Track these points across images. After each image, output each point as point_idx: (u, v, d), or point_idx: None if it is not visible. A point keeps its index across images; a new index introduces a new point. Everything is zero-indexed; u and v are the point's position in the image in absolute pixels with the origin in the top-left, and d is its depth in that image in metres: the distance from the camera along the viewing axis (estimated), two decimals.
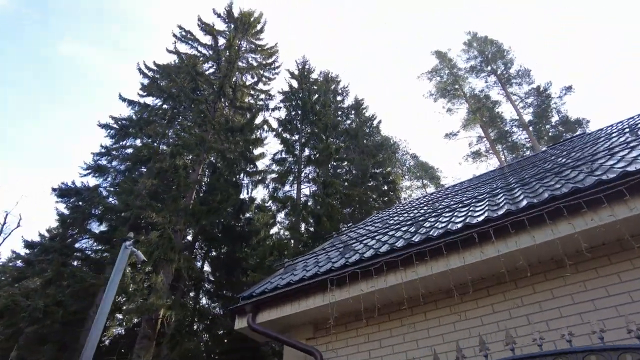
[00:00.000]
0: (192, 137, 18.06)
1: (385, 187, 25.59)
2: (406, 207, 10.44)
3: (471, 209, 5.14)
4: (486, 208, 4.66)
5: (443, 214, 5.73)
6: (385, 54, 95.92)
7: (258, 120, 22.47)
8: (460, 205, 5.82)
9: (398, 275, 4.42)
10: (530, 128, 27.93)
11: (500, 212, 4.07)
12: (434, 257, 4.25)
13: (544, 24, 67.85)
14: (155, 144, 20.02)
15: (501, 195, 5.27)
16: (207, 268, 22.28)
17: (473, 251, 4.01)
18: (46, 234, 36.44)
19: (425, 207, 8.13)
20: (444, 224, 4.79)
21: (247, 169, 22.45)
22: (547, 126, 28.15)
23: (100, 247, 21.89)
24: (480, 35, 32.86)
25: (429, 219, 5.79)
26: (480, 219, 4.19)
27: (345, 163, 24.49)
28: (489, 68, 31.38)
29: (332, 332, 5.09)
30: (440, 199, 8.93)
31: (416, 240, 4.52)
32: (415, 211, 8.03)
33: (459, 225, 4.28)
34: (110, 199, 22.25)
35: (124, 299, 14.30)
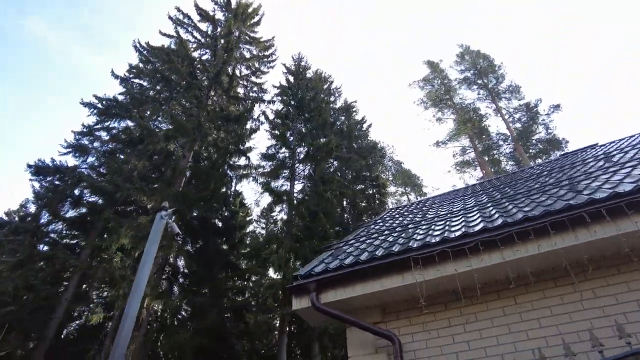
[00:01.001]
0: (189, 121, 17.28)
1: (372, 191, 25.55)
2: (443, 199, 10.24)
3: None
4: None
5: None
6: (384, 54, 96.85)
7: (254, 112, 21.90)
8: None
9: (496, 254, 4.15)
10: (518, 144, 28.72)
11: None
12: (539, 236, 4.02)
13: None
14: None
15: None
16: (180, 262, 21.31)
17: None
18: (5, 217, 34.15)
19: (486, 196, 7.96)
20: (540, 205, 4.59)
21: (234, 162, 21.80)
22: (534, 141, 29.11)
23: (73, 232, 20.59)
24: (473, 49, 33.73)
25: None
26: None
27: (336, 163, 24.25)
28: (480, 81, 32.16)
29: (409, 315, 4.75)
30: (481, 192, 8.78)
31: (513, 220, 4.28)
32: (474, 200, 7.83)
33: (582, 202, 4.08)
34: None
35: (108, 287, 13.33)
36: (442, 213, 6.93)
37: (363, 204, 24.67)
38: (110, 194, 15.27)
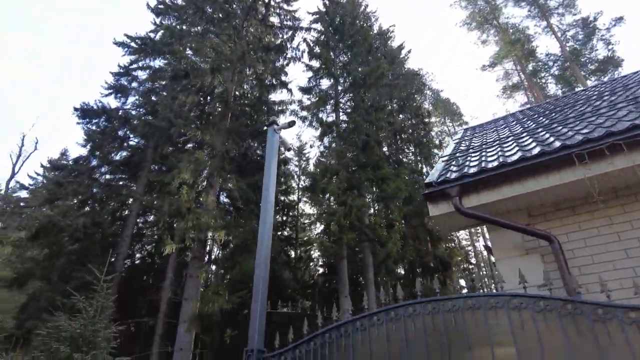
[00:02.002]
0: (233, 52, 16.63)
1: (415, 121, 24.80)
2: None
3: None
4: None
5: None
6: None
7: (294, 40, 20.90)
8: None
9: None
10: (573, 63, 26.76)
11: None
12: None
13: None
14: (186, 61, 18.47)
15: None
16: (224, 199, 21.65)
17: None
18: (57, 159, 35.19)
19: None
20: None
21: (275, 96, 21.23)
22: (589, 59, 27.12)
23: (123, 176, 21.01)
24: None
25: None
26: None
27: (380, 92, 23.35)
28: None
29: (560, 216, 4.52)
30: None
31: None
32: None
33: None
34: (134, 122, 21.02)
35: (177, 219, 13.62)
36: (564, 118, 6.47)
37: (405, 136, 24.13)
38: (164, 130, 15.19)
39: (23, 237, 28.44)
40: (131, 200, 18.99)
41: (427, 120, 24.80)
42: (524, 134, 6.13)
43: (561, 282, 4.07)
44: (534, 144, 5.02)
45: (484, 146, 6.43)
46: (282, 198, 24.19)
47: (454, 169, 5.33)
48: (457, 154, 6.45)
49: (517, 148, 5.16)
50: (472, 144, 7.37)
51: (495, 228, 4.71)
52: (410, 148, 24.87)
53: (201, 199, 14.87)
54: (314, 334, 3.70)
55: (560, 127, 5.46)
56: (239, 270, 12.82)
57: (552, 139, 4.88)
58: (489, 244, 5.87)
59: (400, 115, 24.57)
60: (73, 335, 6.21)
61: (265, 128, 5.64)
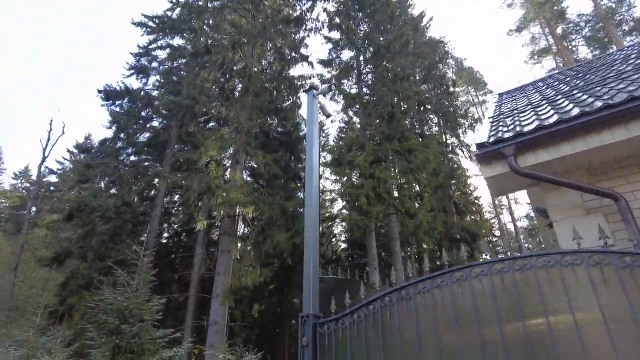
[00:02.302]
0: (252, 26, 16.30)
1: (439, 91, 24.10)
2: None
3: None
4: None
5: None
6: None
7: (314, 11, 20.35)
8: None
9: None
10: (608, 23, 25.30)
11: None
12: None
13: None
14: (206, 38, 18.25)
15: None
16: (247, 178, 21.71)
17: None
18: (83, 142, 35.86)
19: None
20: None
21: (294, 70, 20.87)
22: (627, 17, 25.61)
23: (147, 157, 21.25)
24: None
25: None
26: None
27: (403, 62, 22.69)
28: None
29: (624, 174, 4.26)
30: None
31: None
32: None
33: None
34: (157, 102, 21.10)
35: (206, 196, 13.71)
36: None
37: (429, 106, 23.53)
38: (189, 108, 15.16)
39: (56, 220, 29.46)
40: (158, 180, 19.26)
41: (451, 90, 24.08)
42: (575, 92, 5.79)
43: (627, 243, 3.86)
44: (591, 100, 4.71)
45: (531, 106, 6.11)
46: (303, 175, 24.15)
47: (505, 129, 5.07)
48: (503, 116, 6.16)
49: (572, 105, 4.86)
50: (517, 105, 7.04)
51: (552, 189, 4.47)
52: (435, 119, 24.31)
53: (228, 176, 14.92)
54: (373, 297, 3.61)
55: (618, 83, 5.11)
56: (270, 245, 12.89)
57: (613, 92, 4.55)
58: (541, 206, 5.64)
59: (424, 86, 23.92)
60: (119, 308, 6.34)
61: (312, 92, 5.44)
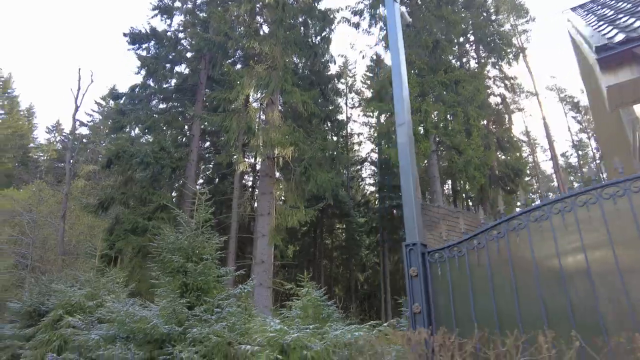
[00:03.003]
0: None
1: (481, 18, 22.15)
2: None
3: None
4: None
5: None
6: None
7: None
8: None
9: None
10: None
11: None
12: None
13: None
14: None
15: None
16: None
17: None
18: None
19: None
20: None
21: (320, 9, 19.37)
22: None
23: (175, 104, 20.78)
24: None
25: None
26: None
27: None
28: None
29: None
30: None
31: None
32: None
33: None
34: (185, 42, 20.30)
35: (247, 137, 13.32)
36: None
37: (470, 35, 21.79)
38: (220, 45, 14.38)
39: (92, 170, 30.02)
40: (192, 124, 18.95)
41: (493, 17, 22.14)
42: None
43: None
44: None
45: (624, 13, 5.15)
46: (335, 117, 23.28)
47: (621, 31, 4.23)
48: (605, 21, 5.24)
49: None
50: (606, 13, 6.04)
51: None
52: (471, 51, 22.65)
53: (263, 116, 14.38)
54: (497, 221, 3.12)
55: None
56: (313, 185, 12.57)
57: None
58: None
59: (465, 13, 22.04)
60: (182, 246, 6.17)
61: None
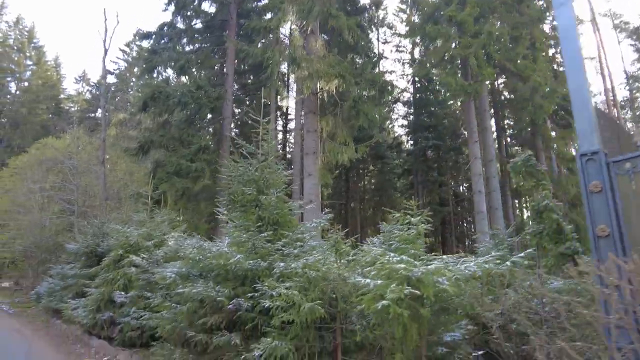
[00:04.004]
0: None
1: None
2: None
3: None
4: None
5: None
6: None
7: None
8: None
9: None
10: None
11: None
12: None
13: None
14: None
15: None
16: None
17: None
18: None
19: None
20: None
21: None
22: None
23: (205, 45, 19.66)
24: None
25: None
26: None
27: None
28: None
29: None
30: None
31: None
32: None
33: None
34: None
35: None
36: None
37: None
38: None
39: (122, 119, 29.85)
40: (226, 62, 18.04)
41: None
42: None
43: None
44: None
45: None
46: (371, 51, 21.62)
47: None
48: None
49: None
50: None
51: None
52: None
53: (305, 45, 13.29)
54: None
55: None
56: (364, 119, 11.73)
57: None
58: None
59: None
60: (253, 178, 5.63)
61: None
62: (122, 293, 7.27)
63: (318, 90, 13.27)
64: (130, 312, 7.21)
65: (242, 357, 4.03)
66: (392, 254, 3.59)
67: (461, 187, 31.04)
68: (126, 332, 7.05)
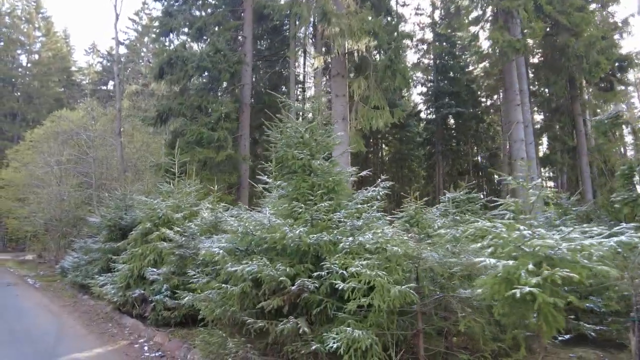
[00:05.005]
0: None
1: None
2: None
3: None
4: None
5: None
6: None
7: None
8: None
9: None
10: None
11: None
12: None
13: None
14: None
15: None
16: None
17: None
18: None
19: None
20: None
21: None
22: None
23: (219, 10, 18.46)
24: None
25: None
26: None
27: None
28: None
29: None
30: None
31: None
32: None
33: None
34: None
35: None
36: None
37: None
38: None
39: (135, 91, 29.06)
40: (244, 25, 16.97)
41: None
42: None
43: None
44: None
45: None
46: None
47: None
48: None
49: None
50: None
51: None
52: None
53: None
54: None
55: None
56: (400, 81, 10.77)
57: None
58: None
59: None
60: (304, 139, 4.88)
61: None
62: (154, 270, 6.72)
63: (346, 50, 12.26)
64: (163, 289, 6.69)
65: (313, 347, 3.40)
66: (501, 227, 2.85)
67: (478, 157, 29.95)
68: (159, 311, 6.54)
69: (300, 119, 6.25)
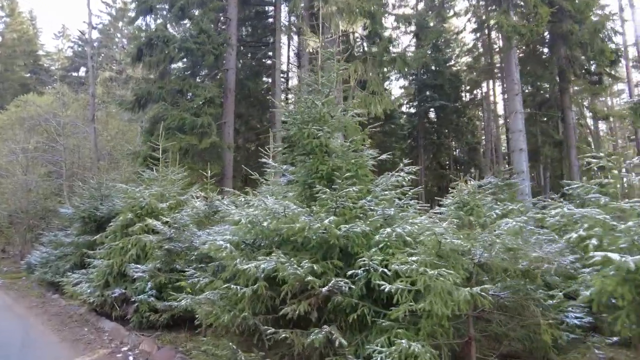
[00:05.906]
0: None
1: None
2: None
3: None
4: None
5: None
6: None
7: None
8: None
9: None
10: None
11: None
12: None
13: None
14: None
15: None
16: None
17: None
18: None
19: None
20: None
21: None
22: None
23: None
24: None
25: None
26: None
27: None
28: None
29: None
30: None
31: None
32: None
33: None
34: None
35: None
36: None
37: None
38: None
39: (108, 77, 27.49)
40: (228, 6, 15.98)
41: None
42: None
43: None
44: None
45: None
46: None
47: None
48: None
49: None
50: None
51: None
52: None
53: None
54: None
55: None
56: (400, 64, 10.16)
57: None
58: None
59: None
60: (321, 115, 4.20)
61: None
62: (138, 266, 5.92)
63: (341, 31, 11.56)
64: (147, 288, 5.91)
65: None
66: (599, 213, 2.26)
67: (457, 152, 29.80)
68: (143, 312, 5.75)
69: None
